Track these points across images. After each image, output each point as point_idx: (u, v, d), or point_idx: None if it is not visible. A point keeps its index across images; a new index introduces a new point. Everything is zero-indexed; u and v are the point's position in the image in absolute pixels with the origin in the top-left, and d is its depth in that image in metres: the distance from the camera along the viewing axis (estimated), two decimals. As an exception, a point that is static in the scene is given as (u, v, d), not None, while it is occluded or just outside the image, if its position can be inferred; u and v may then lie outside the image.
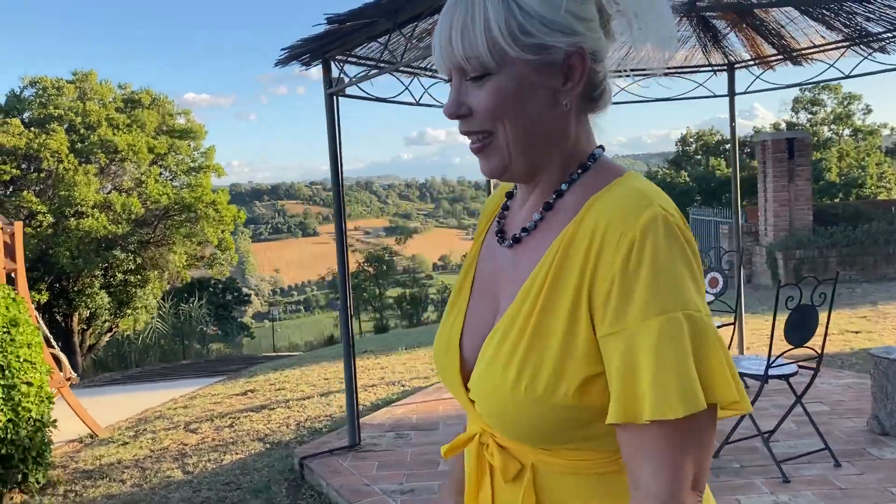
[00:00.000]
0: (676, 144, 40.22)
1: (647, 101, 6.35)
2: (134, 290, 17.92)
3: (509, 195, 1.08)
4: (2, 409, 5.25)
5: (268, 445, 5.70)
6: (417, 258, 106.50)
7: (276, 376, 9.40)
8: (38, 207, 15.75)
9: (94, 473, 5.65)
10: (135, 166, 17.53)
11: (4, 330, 5.35)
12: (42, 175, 16.37)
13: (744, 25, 5.92)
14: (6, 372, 5.31)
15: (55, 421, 5.59)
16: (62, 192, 15.94)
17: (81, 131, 17.07)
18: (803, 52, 6.06)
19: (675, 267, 0.82)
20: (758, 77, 6.36)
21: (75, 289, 17.19)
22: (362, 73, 4.93)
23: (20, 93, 18.03)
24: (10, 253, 7.27)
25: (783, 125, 37.38)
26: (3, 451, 5.25)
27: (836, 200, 24.23)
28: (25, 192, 15.90)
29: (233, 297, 30.84)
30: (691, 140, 39.65)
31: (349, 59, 4.91)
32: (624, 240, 0.82)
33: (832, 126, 35.98)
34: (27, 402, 5.39)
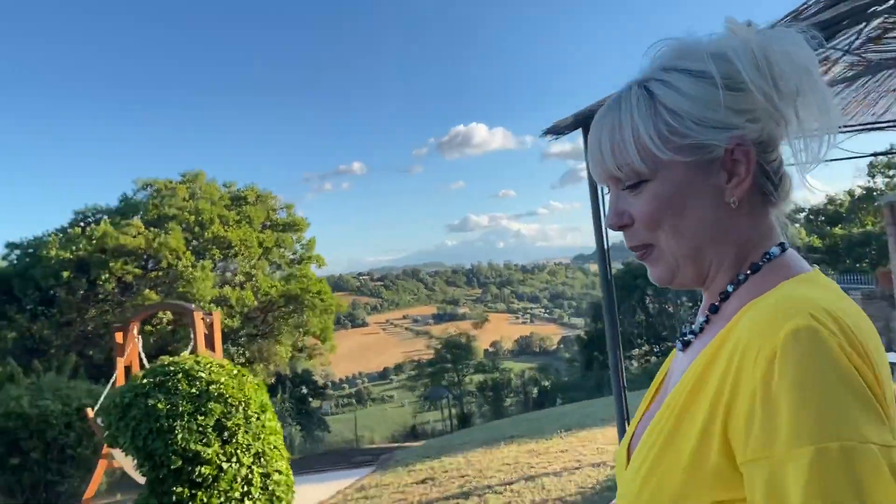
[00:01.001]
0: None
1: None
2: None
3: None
4: (260, 499, 5.12)
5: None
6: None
7: (438, 464, 9.24)
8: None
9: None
10: (245, 260, 17.90)
11: (256, 416, 5.29)
12: (160, 273, 16.79)
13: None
14: (262, 459, 5.21)
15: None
16: (181, 289, 16.26)
17: (195, 229, 17.57)
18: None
19: (828, 387, 0.70)
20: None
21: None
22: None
23: (133, 195, 18.79)
24: (210, 342, 7.33)
25: (859, 190, 37.09)
26: (263, 544, 5.10)
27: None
28: (147, 291, 16.25)
29: (309, 389, 30.69)
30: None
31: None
32: (762, 354, 0.73)
33: (909, 190, 35.40)
34: (280, 491, 5.27)
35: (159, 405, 4.93)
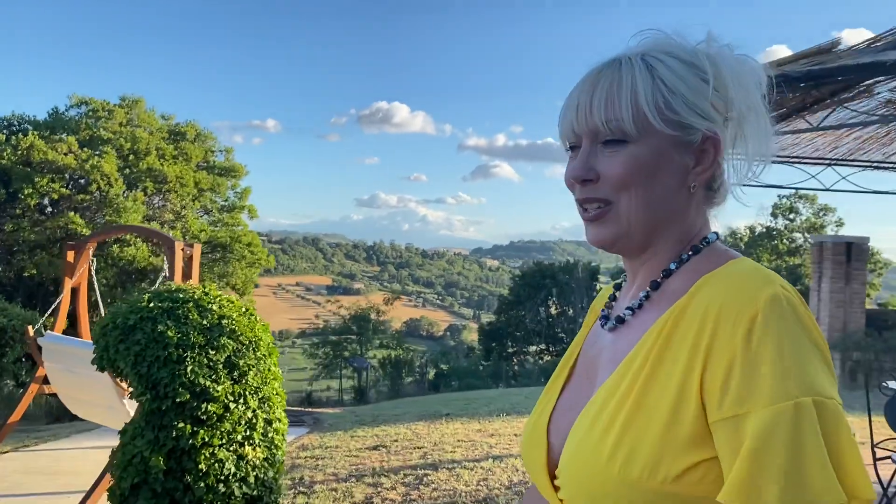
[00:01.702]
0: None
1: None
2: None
3: (617, 287, 1.10)
4: (259, 446, 4.89)
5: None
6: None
7: (381, 432, 9.17)
8: (82, 230, 15.01)
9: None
10: (178, 198, 17.02)
11: (262, 358, 5.04)
12: (87, 197, 15.70)
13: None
14: (266, 405, 4.97)
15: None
16: (109, 217, 15.27)
17: (130, 157, 16.52)
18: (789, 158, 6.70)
19: (802, 348, 0.78)
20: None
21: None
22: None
23: (66, 111, 17.46)
24: (187, 276, 6.92)
25: (759, 228, 39.30)
26: (255, 493, 4.88)
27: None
28: (71, 213, 15.16)
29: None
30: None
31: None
32: (743, 318, 0.79)
33: (806, 234, 37.82)
34: (277, 439, 5.05)
35: (170, 332, 4.60)
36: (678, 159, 0.90)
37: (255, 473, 4.80)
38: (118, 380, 5.33)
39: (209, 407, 4.57)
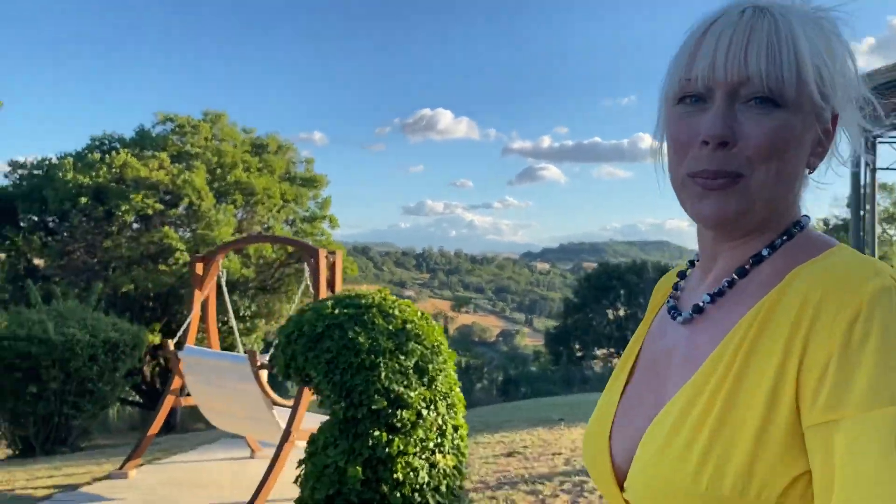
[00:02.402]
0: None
1: None
2: (243, 337, 17.31)
3: (681, 275, 0.98)
4: (449, 453, 4.75)
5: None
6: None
7: (505, 438, 9.04)
8: (177, 244, 15.29)
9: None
10: (266, 210, 17.23)
11: (445, 362, 4.91)
12: (180, 212, 15.99)
13: None
14: (452, 410, 4.83)
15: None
16: (201, 230, 15.52)
17: (217, 171, 16.80)
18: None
19: None
20: None
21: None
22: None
23: (152, 128, 17.85)
24: (331, 285, 6.86)
25: (834, 220, 38.21)
26: (446, 503, 4.73)
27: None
28: (166, 228, 15.44)
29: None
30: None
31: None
32: (845, 311, 0.70)
33: (884, 224, 36.65)
34: (462, 446, 4.91)
35: (360, 338, 4.50)
36: (812, 136, 0.81)
37: (446, 482, 4.66)
38: (305, 389, 5.25)
39: (403, 414, 4.45)
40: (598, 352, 40.05)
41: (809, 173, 0.84)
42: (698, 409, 0.76)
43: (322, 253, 6.78)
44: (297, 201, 18.52)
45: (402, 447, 4.40)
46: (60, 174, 15.15)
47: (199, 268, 8.29)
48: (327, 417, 4.60)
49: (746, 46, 0.77)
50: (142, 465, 7.99)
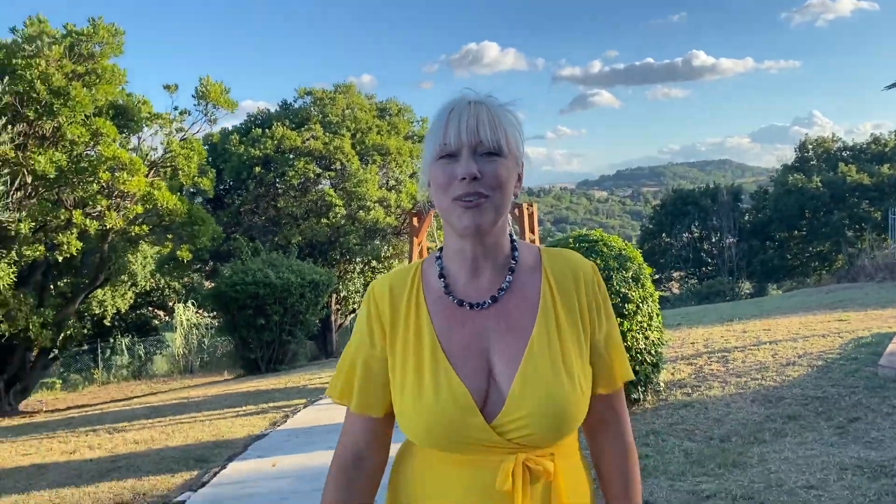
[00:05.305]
0: (795, 151, 41.62)
1: None
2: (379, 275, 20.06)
3: (442, 280, 1.32)
4: (655, 330, 7.41)
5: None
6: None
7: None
8: (336, 201, 18.41)
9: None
10: (398, 167, 20.04)
11: (644, 275, 7.54)
12: (333, 174, 19.01)
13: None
14: (655, 304, 7.49)
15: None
16: (351, 188, 18.53)
17: (357, 136, 19.66)
18: None
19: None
20: None
21: (337, 273, 19.76)
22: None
23: (294, 102, 20.83)
24: (531, 231, 9.45)
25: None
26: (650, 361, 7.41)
27: None
28: (327, 188, 18.53)
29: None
30: (810, 146, 41.03)
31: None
32: (590, 275, 1.32)
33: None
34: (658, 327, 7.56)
35: (598, 260, 7.17)
36: (515, 175, 1.28)
37: (654, 349, 7.35)
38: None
39: (628, 306, 7.11)
40: (675, 273, 41.90)
41: (515, 198, 1.30)
42: (554, 345, 1.25)
43: (525, 205, 9.38)
44: (416, 158, 21.18)
45: (629, 326, 7.08)
46: (232, 148, 18.35)
47: (415, 220, 10.87)
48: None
49: (477, 123, 1.22)
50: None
